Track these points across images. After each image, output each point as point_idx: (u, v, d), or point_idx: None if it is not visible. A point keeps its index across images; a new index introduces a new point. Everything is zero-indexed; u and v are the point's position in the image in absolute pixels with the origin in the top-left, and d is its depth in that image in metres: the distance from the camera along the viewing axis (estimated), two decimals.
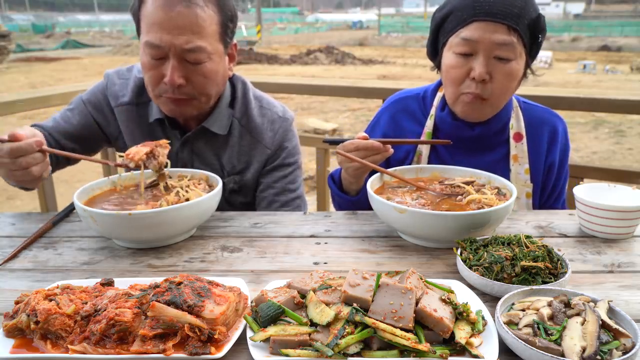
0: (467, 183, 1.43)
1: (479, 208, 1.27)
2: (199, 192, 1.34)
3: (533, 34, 1.50)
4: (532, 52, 1.55)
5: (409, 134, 1.74)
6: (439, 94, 1.72)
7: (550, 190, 1.73)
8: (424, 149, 1.71)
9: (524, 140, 1.67)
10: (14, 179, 1.36)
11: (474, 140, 1.67)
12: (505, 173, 1.66)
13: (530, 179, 1.67)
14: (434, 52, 1.66)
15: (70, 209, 1.53)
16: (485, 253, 1.11)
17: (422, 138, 1.70)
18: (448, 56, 1.56)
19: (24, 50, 28.10)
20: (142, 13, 1.51)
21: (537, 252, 1.07)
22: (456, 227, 1.20)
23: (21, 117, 8.34)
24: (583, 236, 1.36)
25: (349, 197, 1.63)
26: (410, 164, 1.72)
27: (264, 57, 22.25)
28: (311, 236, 1.37)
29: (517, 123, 1.67)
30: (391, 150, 1.46)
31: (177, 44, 1.46)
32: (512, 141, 1.67)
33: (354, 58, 22.04)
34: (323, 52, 22.95)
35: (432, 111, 1.71)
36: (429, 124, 1.70)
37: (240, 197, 1.76)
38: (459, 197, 1.37)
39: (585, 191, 1.39)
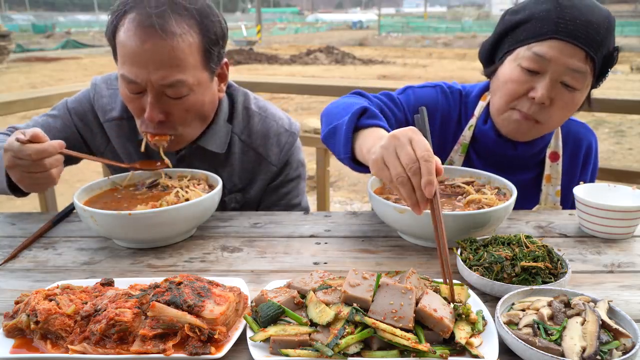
0: (467, 183, 1.43)
1: (479, 208, 1.27)
2: (199, 192, 1.34)
3: (604, 67, 1.39)
4: (596, 85, 1.45)
5: (445, 132, 1.62)
6: (482, 103, 1.58)
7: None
8: (456, 159, 1.60)
9: (560, 160, 1.58)
10: (29, 181, 1.28)
11: (512, 159, 1.58)
12: (536, 193, 1.60)
13: (560, 202, 1.60)
14: (492, 56, 1.53)
15: (70, 209, 1.53)
16: (485, 253, 1.11)
17: (457, 148, 1.60)
18: (511, 67, 1.42)
19: (24, 50, 28.10)
20: (117, 41, 1.37)
21: (537, 252, 1.07)
22: (456, 227, 1.20)
23: (21, 117, 8.34)
24: (583, 236, 1.36)
25: (355, 165, 1.31)
26: None
27: (264, 57, 22.26)
28: (311, 236, 1.37)
29: (555, 142, 1.58)
30: (420, 214, 1.06)
31: (154, 79, 1.33)
32: (547, 160, 1.59)
33: (354, 58, 22.04)
34: (323, 52, 22.96)
35: (473, 121, 1.58)
36: (467, 134, 1.58)
37: None
38: (459, 197, 1.37)
39: (585, 191, 1.39)
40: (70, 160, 1.65)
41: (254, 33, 37.94)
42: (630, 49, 25.29)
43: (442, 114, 1.62)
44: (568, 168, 1.62)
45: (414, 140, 1.02)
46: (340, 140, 1.29)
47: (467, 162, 1.62)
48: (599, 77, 1.42)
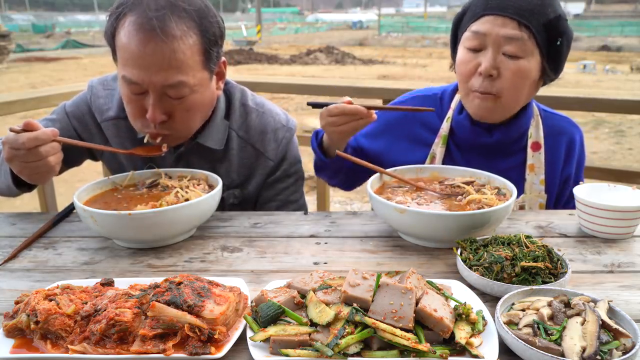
0: (467, 183, 1.43)
1: (479, 208, 1.27)
2: (199, 193, 1.34)
3: (550, 35, 1.46)
4: (550, 55, 1.50)
5: (420, 128, 1.71)
6: (457, 96, 1.68)
7: (564, 202, 1.70)
8: (438, 152, 1.66)
9: (542, 150, 1.63)
10: (28, 171, 1.29)
11: (490, 146, 1.63)
12: (520, 182, 1.63)
13: (545, 190, 1.64)
14: (454, 51, 1.64)
15: (70, 209, 1.53)
16: (485, 253, 1.11)
17: (437, 140, 1.67)
18: (460, 51, 1.55)
19: (24, 50, 28.07)
20: (117, 42, 1.38)
21: (537, 252, 1.07)
22: (456, 227, 1.20)
23: (21, 117, 8.33)
24: (583, 236, 1.36)
25: (326, 159, 1.61)
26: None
27: (264, 57, 22.26)
28: (311, 236, 1.37)
29: (536, 132, 1.64)
30: (375, 116, 1.42)
31: (156, 81, 1.34)
32: (529, 150, 1.63)
33: (354, 58, 22.04)
34: (323, 52, 22.95)
35: (449, 113, 1.67)
36: (445, 126, 1.66)
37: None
38: (459, 197, 1.37)
39: (585, 191, 1.39)
40: (72, 162, 1.67)
41: (254, 33, 37.96)
42: (630, 49, 25.32)
43: (420, 121, 1.73)
44: (550, 159, 1.66)
45: (328, 111, 1.45)
46: (316, 157, 1.68)
47: (447, 154, 1.68)
48: (549, 47, 1.48)
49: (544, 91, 2.49)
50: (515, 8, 1.43)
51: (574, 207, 1.71)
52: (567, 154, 1.67)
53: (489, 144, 1.62)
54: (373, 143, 1.77)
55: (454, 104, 1.68)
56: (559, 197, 1.69)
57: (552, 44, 1.48)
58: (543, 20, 1.44)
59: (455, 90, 1.71)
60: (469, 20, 1.51)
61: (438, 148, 1.67)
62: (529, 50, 1.46)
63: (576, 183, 1.68)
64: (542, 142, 1.64)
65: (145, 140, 1.48)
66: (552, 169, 1.66)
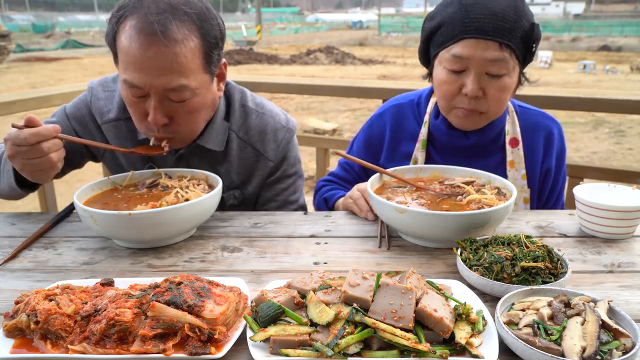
0: (467, 183, 1.43)
1: (479, 208, 1.27)
2: (199, 193, 1.34)
3: (527, 45, 1.46)
4: (526, 61, 1.51)
5: (404, 142, 1.74)
6: (433, 100, 1.69)
7: (547, 194, 1.71)
8: (419, 157, 1.69)
9: (520, 145, 1.65)
10: (30, 168, 1.29)
11: (469, 148, 1.65)
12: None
13: (528, 184, 1.66)
14: (426, 59, 1.63)
15: (70, 209, 1.53)
16: (485, 253, 1.11)
17: (418, 145, 1.69)
18: (439, 71, 1.53)
19: (24, 50, 28.08)
20: (118, 46, 1.37)
21: (537, 252, 1.07)
22: (456, 227, 1.20)
23: (21, 118, 8.34)
24: (583, 236, 1.36)
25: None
26: None
27: (264, 57, 22.28)
28: (311, 236, 1.37)
29: (512, 128, 1.65)
30: (371, 216, 1.48)
31: (157, 84, 1.34)
32: (508, 147, 1.65)
33: (354, 58, 22.05)
34: (323, 52, 22.97)
35: (426, 118, 1.68)
36: (424, 131, 1.68)
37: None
38: (459, 197, 1.37)
39: (585, 191, 1.39)
40: (73, 164, 1.67)
41: (254, 33, 37.97)
42: (631, 49, 25.32)
43: (402, 127, 1.75)
44: (529, 153, 1.67)
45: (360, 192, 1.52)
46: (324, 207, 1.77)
47: (428, 157, 1.71)
48: (525, 54, 1.49)
49: (544, 91, 2.50)
50: (495, 29, 1.40)
51: (558, 200, 1.72)
52: (545, 147, 1.68)
53: (467, 146, 1.64)
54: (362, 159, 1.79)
55: (429, 108, 1.69)
56: (542, 189, 1.71)
57: (529, 51, 1.49)
58: (520, 34, 1.43)
59: (430, 94, 1.72)
60: (446, 41, 1.48)
61: (419, 152, 1.69)
62: (511, 67, 1.46)
63: (558, 175, 1.71)
64: (519, 137, 1.65)
65: (150, 144, 1.48)
66: (531, 163, 1.67)
